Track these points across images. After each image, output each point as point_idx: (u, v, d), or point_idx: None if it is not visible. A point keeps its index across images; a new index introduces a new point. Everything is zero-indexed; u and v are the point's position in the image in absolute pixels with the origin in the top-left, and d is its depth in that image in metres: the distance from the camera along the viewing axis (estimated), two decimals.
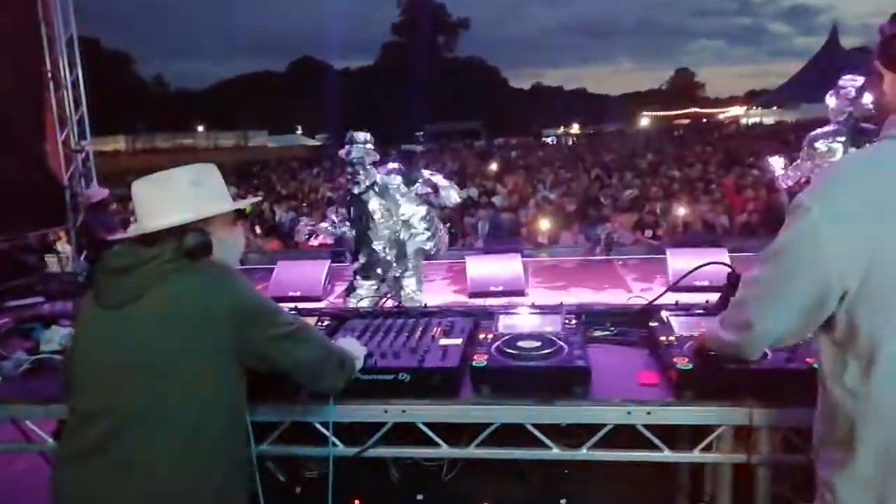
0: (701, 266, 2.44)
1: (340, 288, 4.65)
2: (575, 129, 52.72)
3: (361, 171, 3.61)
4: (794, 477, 1.93)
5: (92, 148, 7.08)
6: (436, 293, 4.74)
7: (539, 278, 5.26)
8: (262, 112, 47.38)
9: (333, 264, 5.08)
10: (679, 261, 4.70)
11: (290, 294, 4.83)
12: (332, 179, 18.14)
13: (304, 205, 12.72)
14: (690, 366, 1.87)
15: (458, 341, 2.17)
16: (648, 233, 9.75)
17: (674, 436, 2.03)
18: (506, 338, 2.13)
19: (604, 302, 3.65)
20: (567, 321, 2.28)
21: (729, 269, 2.41)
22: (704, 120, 54.96)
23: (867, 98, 2.69)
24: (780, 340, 1.44)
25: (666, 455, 1.94)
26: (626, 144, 29.93)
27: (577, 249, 9.30)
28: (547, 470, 2.37)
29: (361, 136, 3.62)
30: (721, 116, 56.07)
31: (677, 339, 2.09)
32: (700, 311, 2.32)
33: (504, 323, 2.32)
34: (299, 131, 50.14)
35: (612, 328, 2.43)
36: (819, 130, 2.73)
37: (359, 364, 1.94)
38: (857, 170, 1.34)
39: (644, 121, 54.20)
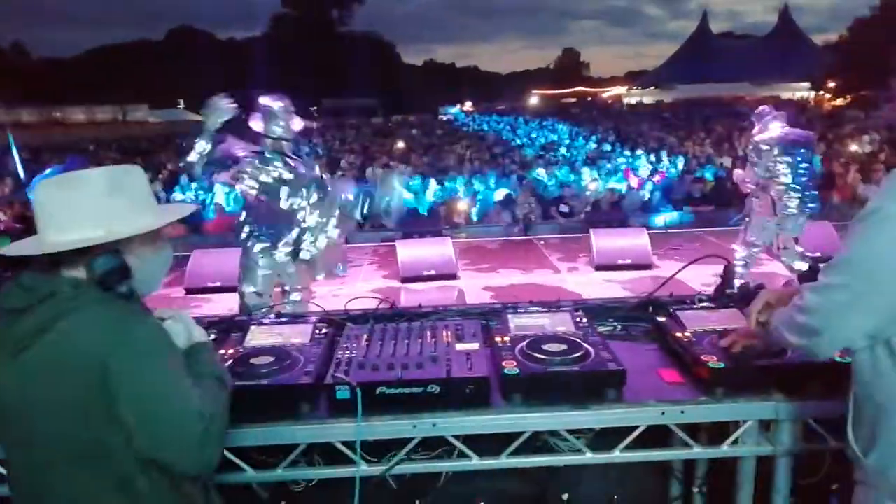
0: (696, 260, 2.49)
1: None
2: (468, 106, 53.23)
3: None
4: (813, 466, 2.02)
5: None
6: (366, 278, 4.65)
7: (465, 260, 5.25)
8: (141, 84, 44.06)
9: None
10: (603, 240, 4.84)
11: (209, 285, 4.54)
12: None
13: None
14: (722, 364, 1.89)
15: (476, 346, 2.09)
16: (565, 208, 10.01)
17: (693, 431, 2.06)
18: (526, 341, 2.07)
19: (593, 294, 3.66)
20: (578, 320, 2.25)
21: (725, 262, 2.48)
22: (589, 98, 57.22)
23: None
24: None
25: (696, 451, 1.97)
26: (522, 122, 30.55)
27: (496, 229, 9.43)
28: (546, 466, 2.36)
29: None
30: (605, 95, 58.61)
31: (694, 334, 2.12)
32: (705, 305, 2.36)
33: (515, 324, 2.25)
34: (182, 105, 47.13)
35: (615, 323, 2.43)
36: (757, 138, 2.90)
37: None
38: None
39: (533, 99, 55.64)
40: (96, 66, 50.19)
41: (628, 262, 4.66)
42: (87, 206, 1.38)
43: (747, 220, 2.92)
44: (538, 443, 2.02)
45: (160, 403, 1.35)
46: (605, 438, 2.02)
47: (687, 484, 2.52)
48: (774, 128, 2.87)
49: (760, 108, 3.01)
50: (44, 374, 1.32)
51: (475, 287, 4.29)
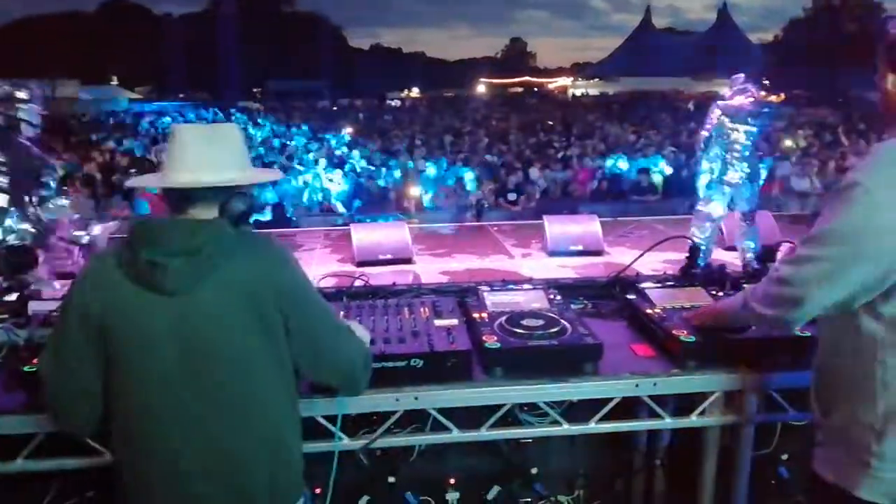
0: (666, 240, 2.57)
1: None
2: (415, 92, 52.98)
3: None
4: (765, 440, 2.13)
5: None
6: (320, 262, 4.62)
7: (421, 245, 5.25)
8: (71, 59, 41.92)
9: None
10: (555, 226, 4.93)
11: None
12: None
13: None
14: (693, 338, 1.97)
15: (455, 322, 2.11)
16: (513, 196, 10.12)
17: (659, 402, 2.14)
18: (505, 317, 2.11)
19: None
20: (552, 297, 2.30)
21: (690, 243, 2.58)
22: (536, 89, 57.81)
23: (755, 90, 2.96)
24: (826, 313, 1.51)
25: (667, 422, 2.05)
26: (469, 110, 30.67)
27: (447, 216, 9.46)
28: (515, 441, 2.41)
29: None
30: (551, 86, 59.33)
31: (664, 311, 2.20)
32: (671, 283, 2.45)
33: (491, 300, 2.29)
34: (114, 82, 45.14)
35: (585, 301, 2.49)
36: (719, 105, 2.99)
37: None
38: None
39: (480, 87, 55.83)
40: (23, 38, 47.50)
41: (580, 248, 4.75)
42: (230, 153, 1.53)
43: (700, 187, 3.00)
44: (509, 417, 2.06)
45: (328, 326, 1.58)
46: (575, 411, 2.08)
47: (649, 457, 2.62)
48: (739, 98, 2.95)
49: (736, 76, 3.07)
50: (220, 308, 1.42)
51: (432, 271, 4.29)
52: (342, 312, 2.19)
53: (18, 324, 2.18)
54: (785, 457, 2.45)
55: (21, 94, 2.80)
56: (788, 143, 13.50)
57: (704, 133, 3.07)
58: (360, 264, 4.66)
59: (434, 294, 2.47)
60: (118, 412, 1.47)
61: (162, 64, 43.04)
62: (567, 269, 4.29)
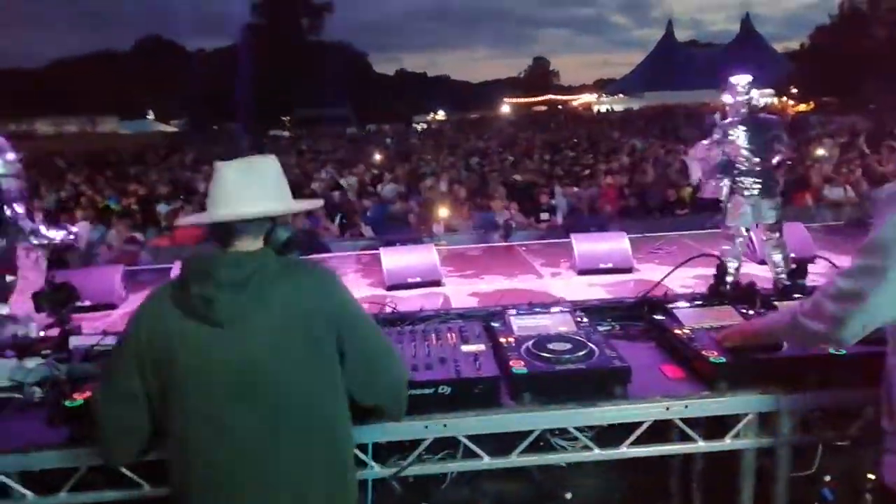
0: (690, 259, 2.55)
1: None
2: (441, 115, 53.40)
3: None
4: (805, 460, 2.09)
5: None
6: (352, 286, 4.64)
7: (450, 267, 5.25)
8: (109, 95, 43.34)
9: None
10: (583, 245, 4.89)
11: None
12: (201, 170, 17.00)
13: (182, 197, 11.83)
14: (724, 359, 1.95)
15: (482, 347, 2.12)
16: (544, 215, 10.11)
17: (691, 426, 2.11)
18: (531, 341, 2.11)
19: (605, 297, 3.64)
20: (579, 319, 2.30)
21: (718, 261, 2.55)
22: (560, 107, 57.76)
23: (755, 93, 2.93)
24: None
25: (700, 445, 2.02)
26: (494, 131, 30.77)
27: (474, 236, 9.48)
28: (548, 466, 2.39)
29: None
30: (575, 103, 59.25)
31: (693, 331, 2.18)
32: (699, 303, 2.43)
33: (517, 325, 2.29)
34: (151, 116, 46.49)
35: (613, 323, 2.48)
36: (723, 121, 2.94)
37: None
38: None
39: (504, 108, 56.02)
40: (63, 77, 49.26)
41: (610, 265, 4.71)
42: (268, 185, 1.57)
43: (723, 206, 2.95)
44: (541, 442, 2.05)
45: (380, 347, 1.62)
46: (606, 436, 2.07)
47: (685, 480, 2.57)
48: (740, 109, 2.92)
49: (735, 78, 3.01)
50: (270, 336, 1.46)
51: (460, 293, 4.30)
52: None
53: (60, 358, 2.25)
54: (828, 478, 2.38)
55: None
56: (820, 151, 13.24)
57: (708, 147, 3.02)
58: (391, 288, 4.70)
59: (461, 319, 2.48)
60: (177, 446, 1.51)
61: (195, 97, 44.19)
62: (597, 287, 4.27)
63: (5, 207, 2.67)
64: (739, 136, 2.80)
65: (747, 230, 2.84)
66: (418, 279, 4.78)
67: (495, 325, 2.33)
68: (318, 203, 2.31)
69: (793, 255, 2.93)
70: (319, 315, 1.49)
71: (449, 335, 2.23)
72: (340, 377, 1.55)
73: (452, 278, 4.88)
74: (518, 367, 1.96)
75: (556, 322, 2.31)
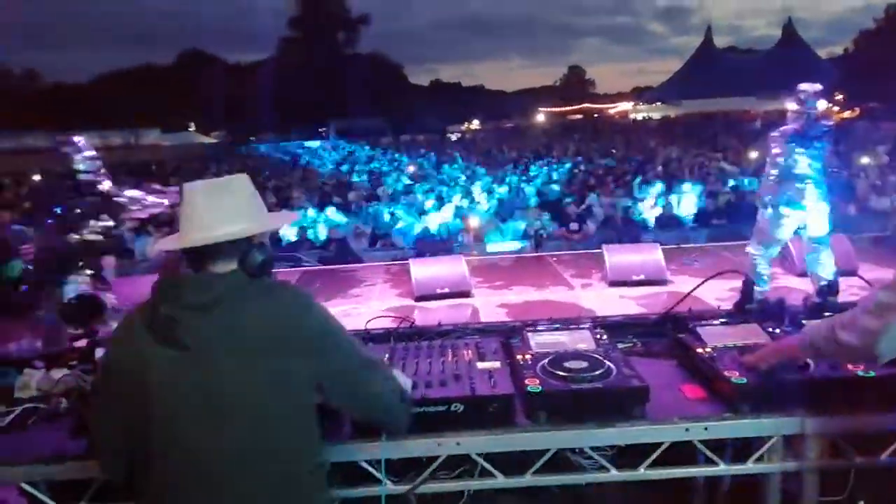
0: (712, 277, 2.49)
1: None
2: (475, 124, 53.47)
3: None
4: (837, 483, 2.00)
5: None
6: (379, 297, 4.63)
7: (479, 278, 5.21)
8: (151, 108, 44.59)
9: None
10: (616, 256, 4.81)
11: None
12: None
13: None
14: (745, 380, 1.89)
15: (498, 364, 2.10)
16: (574, 226, 10.01)
17: (717, 446, 2.05)
18: (548, 359, 2.08)
19: (623, 314, 3.56)
20: (599, 336, 2.26)
21: (744, 277, 2.49)
22: (596, 115, 57.28)
23: (822, 104, 2.86)
24: None
25: (721, 468, 1.96)
26: (529, 139, 30.68)
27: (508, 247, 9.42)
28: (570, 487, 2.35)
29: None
30: (612, 112, 58.69)
31: (715, 350, 2.12)
32: (724, 321, 2.36)
33: (535, 341, 2.26)
34: (192, 128, 47.65)
35: (635, 340, 2.43)
36: (785, 129, 2.89)
37: (410, 397, 1.82)
38: None
39: (540, 116, 55.81)
40: (108, 91, 50.90)
41: (642, 277, 4.63)
42: (239, 206, 1.54)
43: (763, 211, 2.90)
44: (560, 461, 2.02)
45: (362, 364, 1.57)
46: (627, 456, 2.02)
47: (710, 501, 2.50)
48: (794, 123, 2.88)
49: (801, 88, 2.94)
50: (238, 359, 1.42)
51: (490, 304, 4.27)
52: (387, 355, 2.22)
53: (86, 370, 2.31)
54: (861, 503, 2.29)
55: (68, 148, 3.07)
56: (865, 159, 12.84)
57: (769, 163, 2.98)
58: (419, 299, 4.70)
59: (479, 334, 2.46)
60: (143, 469, 1.49)
61: (234, 109, 45.20)
62: (628, 300, 4.19)
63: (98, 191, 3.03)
64: (794, 146, 2.76)
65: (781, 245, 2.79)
66: (447, 290, 4.77)
67: (513, 341, 2.30)
68: (291, 216, 2.33)
69: (835, 267, 2.84)
70: (292, 338, 1.45)
71: (465, 351, 2.22)
72: (310, 402, 1.51)
73: (482, 289, 4.85)
74: (533, 385, 1.93)
75: (575, 339, 2.28)
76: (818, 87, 2.90)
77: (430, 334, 2.48)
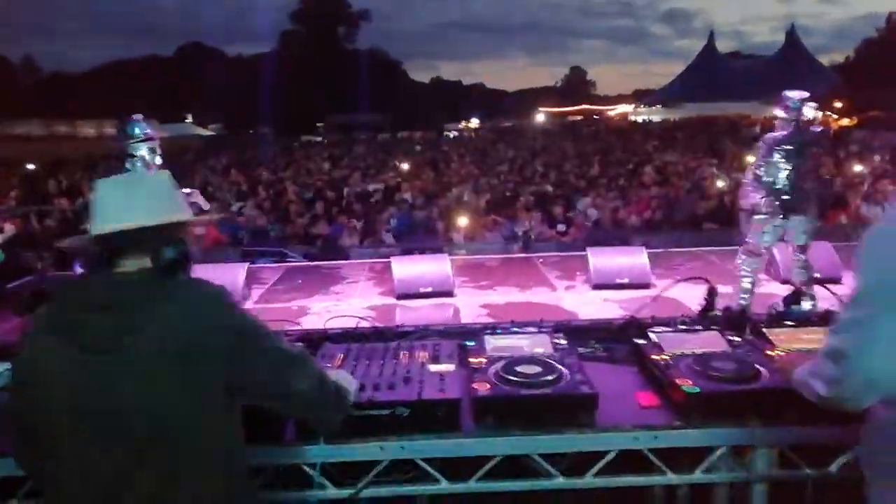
0: (681, 281, 2.46)
1: (258, 292, 4.38)
2: (474, 123, 53.40)
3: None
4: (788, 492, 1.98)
5: None
6: (361, 295, 4.60)
7: (464, 277, 5.18)
8: (150, 99, 44.49)
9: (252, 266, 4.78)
10: (600, 259, 4.79)
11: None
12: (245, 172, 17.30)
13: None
14: (698, 389, 1.86)
15: (452, 367, 2.07)
16: (561, 227, 9.98)
17: (666, 456, 2.02)
18: (502, 363, 2.05)
19: (592, 318, 3.53)
20: (556, 341, 2.23)
21: (707, 283, 2.46)
22: (596, 116, 57.25)
23: (808, 111, 2.82)
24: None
25: (669, 478, 1.93)
26: (526, 139, 30.62)
27: (494, 246, 9.39)
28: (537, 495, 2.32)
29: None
30: (611, 113, 58.63)
31: (672, 357, 2.09)
32: (683, 328, 2.33)
33: (493, 345, 2.23)
34: (189, 120, 47.48)
35: (597, 344, 2.40)
36: (770, 136, 2.87)
37: (352, 398, 1.78)
38: None
39: (539, 116, 55.74)
40: (107, 81, 50.73)
41: (626, 281, 4.59)
42: (152, 196, 1.47)
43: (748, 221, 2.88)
44: (520, 466, 1.98)
45: (285, 361, 1.49)
46: (585, 463, 1.99)
47: None
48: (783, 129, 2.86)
49: (786, 94, 2.93)
50: (145, 364, 1.33)
51: (472, 304, 4.24)
52: (341, 356, 2.18)
53: None
54: None
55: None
56: (857, 168, 12.83)
57: (752, 171, 2.95)
58: (401, 297, 4.66)
59: (440, 336, 2.43)
60: (40, 480, 1.45)
61: (231, 101, 45.07)
62: (611, 303, 4.17)
63: None
64: (782, 153, 2.74)
65: (768, 248, 2.78)
66: (430, 289, 4.72)
67: (471, 344, 2.27)
68: (206, 217, 2.19)
69: (818, 275, 2.82)
70: (205, 340, 1.36)
71: (421, 353, 2.18)
72: (229, 402, 1.43)
73: (466, 289, 4.82)
74: (482, 389, 1.90)
75: (534, 343, 2.25)
76: (804, 94, 2.87)
77: (388, 335, 2.45)
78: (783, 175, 2.75)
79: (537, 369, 1.98)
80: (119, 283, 1.39)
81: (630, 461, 1.94)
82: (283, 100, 40.15)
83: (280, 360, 1.49)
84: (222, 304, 1.44)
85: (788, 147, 2.76)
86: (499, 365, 2.04)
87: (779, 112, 2.87)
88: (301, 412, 1.62)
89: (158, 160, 3.09)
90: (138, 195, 1.45)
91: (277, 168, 19.28)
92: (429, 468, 1.88)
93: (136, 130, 3.07)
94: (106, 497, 1.35)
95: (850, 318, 1.33)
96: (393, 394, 1.89)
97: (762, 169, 2.81)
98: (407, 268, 5.30)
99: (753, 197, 2.84)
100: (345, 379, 1.80)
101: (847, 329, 1.33)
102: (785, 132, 2.80)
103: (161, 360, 1.33)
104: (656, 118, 49.94)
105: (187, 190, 3.21)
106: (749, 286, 2.78)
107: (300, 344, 2.24)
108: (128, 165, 3.09)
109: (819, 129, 2.95)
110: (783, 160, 2.76)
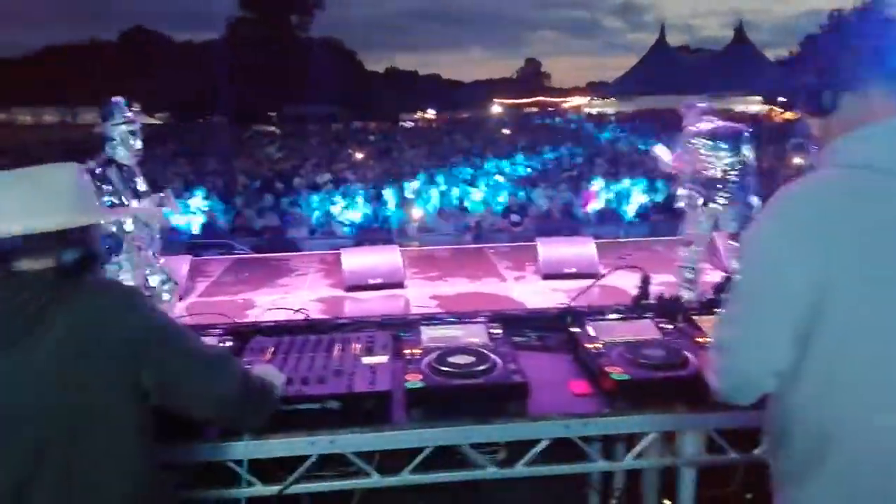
0: (615, 270, 2.48)
1: (203, 285, 4.28)
2: (430, 114, 53.29)
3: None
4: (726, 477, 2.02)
5: None
6: (310, 287, 4.54)
7: (414, 269, 5.17)
8: (91, 86, 42.89)
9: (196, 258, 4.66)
10: (549, 249, 4.84)
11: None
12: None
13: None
14: (627, 376, 1.88)
15: (385, 359, 2.04)
16: (515, 217, 10.04)
17: (611, 441, 2.05)
18: (435, 354, 2.03)
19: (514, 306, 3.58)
20: (492, 330, 2.22)
21: (641, 271, 2.49)
22: (550, 108, 57.80)
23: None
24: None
25: (599, 465, 1.95)
26: (481, 130, 30.71)
27: (446, 237, 9.40)
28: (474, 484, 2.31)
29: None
30: (565, 105, 59.26)
31: (604, 345, 2.10)
32: (617, 316, 2.36)
33: (428, 336, 2.21)
34: (136, 108, 45.90)
35: (532, 333, 2.41)
36: (694, 129, 2.93)
37: (279, 393, 1.74)
38: (806, 193, 1.35)
39: (495, 108, 55.99)
40: (45, 67, 48.65)
41: (574, 270, 4.63)
42: (50, 197, 1.38)
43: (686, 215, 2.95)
44: (458, 456, 1.97)
45: (198, 359, 1.46)
46: (523, 452, 1.98)
47: (605, 497, 2.51)
48: (704, 123, 2.92)
49: (689, 102, 3.04)
50: (43, 367, 1.28)
51: (422, 296, 4.21)
52: (272, 348, 2.13)
53: None
54: (749, 495, 2.33)
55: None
56: (797, 160, 13.27)
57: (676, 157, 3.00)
58: (350, 289, 4.61)
59: (375, 328, 2.40)
60: None
61: (180, 90, 43.81)
62: (559, 292, 4.21)
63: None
64: (701, 146, 2.78)
65: (705, 237, 2.83)
66: (380, 281, 4.68)
67: (406, 335, 2.25)
68: (107, 216, 2.12)
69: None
70: (111, 341, 1.33)
71: (355, 346, 2.15)
72: (139, 402, 1.39)
73: (416, 280, 4.80)
74: (413, 380, 1.88)
75: (470, 333, 2.23)
76: (704, 104, 2.98)
77: (323, 327, 2.41)
78: (713, 164, 2.80)
79: (470, 359, 1.97)
80: (14, 285, 1.32)
81: (566, 449, 1.95)
82: (234, 89, 39.22)
83: (196, 360, 1.45)
84: (129, 304, 1.38)
85: (707, 139, 2.81)
86: (432, 356, 2.02)
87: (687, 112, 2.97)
88: (223, 414, 1.57)
89: (139, 144, 2.98)
90: (37, 195, 1.36)
91: (226, 158, 18.86)
92: (360, 462, 1.85)
93: (116, 113, 2.96)
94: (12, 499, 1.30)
95: (731, 311, 1.35)
96: (323, 387, 1.85)
97: (690, 158, 2.87)
98: (357, 259, 5.25)
99: (687, 186, 2.90)
100: (271, 374, 1.76)
101: (728, 321, 1.35)
102: (694, 126, 2.87)
103: (61, 361, 1.28)
104: (610, 110, 50.72)
105: (162, 193, 3.14)
106: (691, 276, 2.84)
107: (229, 338, 2.20)
108: (107, 149, 2.99)
109: (739, 126, 3.02)
110: (704, 153, 2.81)
